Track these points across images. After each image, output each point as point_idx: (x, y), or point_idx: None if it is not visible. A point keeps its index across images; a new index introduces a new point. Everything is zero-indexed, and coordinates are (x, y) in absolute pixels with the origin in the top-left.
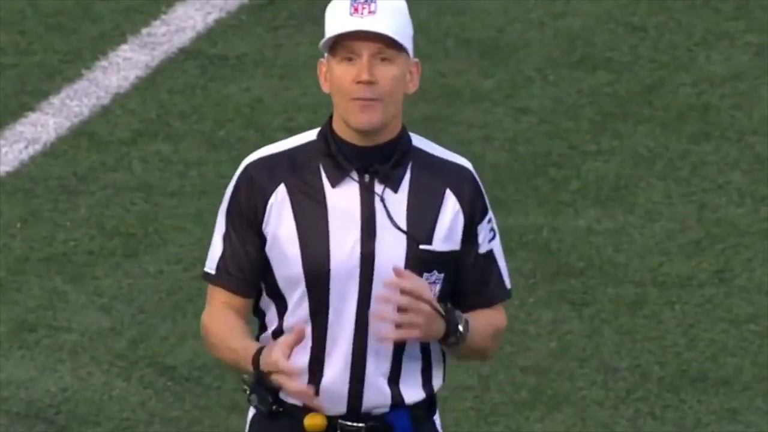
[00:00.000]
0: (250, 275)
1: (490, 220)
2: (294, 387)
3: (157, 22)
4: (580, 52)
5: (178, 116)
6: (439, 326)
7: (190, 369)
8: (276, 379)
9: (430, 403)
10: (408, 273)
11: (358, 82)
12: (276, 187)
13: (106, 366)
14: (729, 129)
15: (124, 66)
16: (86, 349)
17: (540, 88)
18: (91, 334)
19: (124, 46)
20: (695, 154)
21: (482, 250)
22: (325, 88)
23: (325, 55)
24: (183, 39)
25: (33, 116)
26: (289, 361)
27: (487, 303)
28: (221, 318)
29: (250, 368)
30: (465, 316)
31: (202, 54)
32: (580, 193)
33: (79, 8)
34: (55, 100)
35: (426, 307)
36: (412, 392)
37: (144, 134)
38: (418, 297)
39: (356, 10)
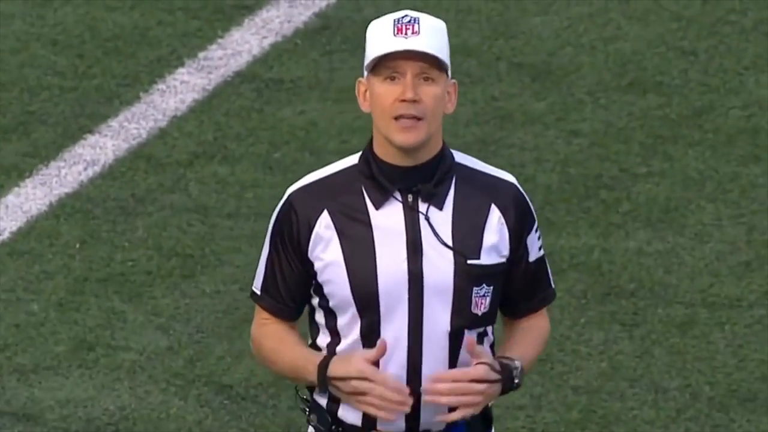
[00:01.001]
0: (290, 301)
1: (537, 229)
2: (390, 394)
3: (214, 46)
4: (631, 76)
5: (234, 139)
6: (497, 389)
7: (247, 388)
8: (358, 386)
9: (484, 418)
10: (474, 347)
11: (402, 101)
12: (320, 213)
13: (164, 385)
14: None
15: (181, 89)
16: (144, 368)
17: (591, 111)
18: (148, 354)
19: (181, 70)
20: (745, 177)
21: (532, 258)
22: (365, 107)
23: (365, 74)
24: (239, 63)
25: (92, 138)
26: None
27: (538, 307)
28: (272, 330)
29: (313, 377)
30: (516, 358)
31: (258, 78)
32: (631, 215)
33: (137, 33)
34: (114, 122)
35: (479, 387)
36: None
37: (201, 156)
38: (470, 381)
39: (400, 30)
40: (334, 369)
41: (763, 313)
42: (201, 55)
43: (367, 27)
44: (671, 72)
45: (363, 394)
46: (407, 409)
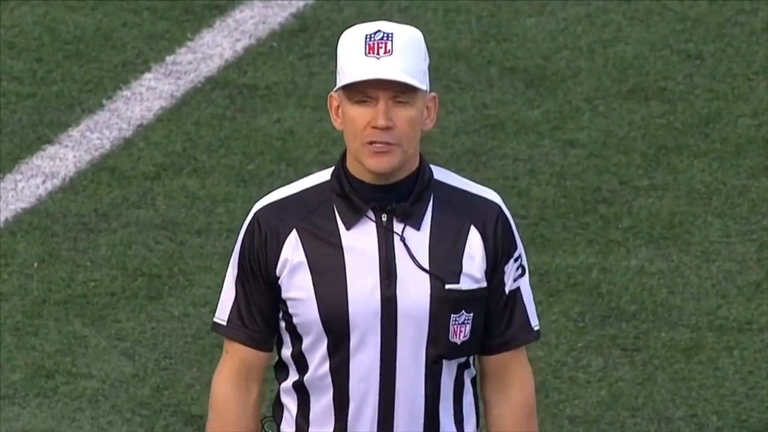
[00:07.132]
0: (263, 327)
1: (518, 258)
2: None
3: (183, 50)
4: (632, 82)
5: (205, 149)
6: None
7: None
8: None
9: None
10: None
11: (374, 127)
12: (288, 233)
13: (128, 415)
14: None
15: (148, 96)
16: (107, 397)
17: (589, 120)
18: (112, 381)
19: (147, 75)
20: (755, 190)
21: (508, 288)
22: (338, 125)
23: (336, 88)
24: (210, 67)
25: (51, 149)
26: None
27: (512, 345)
28: (228, 408)
29: None
30: None
31: (231, 83)
32: (632, 232)
33: (100, 35)
34: (75, 132)
35: None
36: None
37: (169, 169)
38: None
39: (371, 49)
40: None
41: None
42: (169, 59)
43: (347, 30)
44: (675, 77)
45: None
46: None
